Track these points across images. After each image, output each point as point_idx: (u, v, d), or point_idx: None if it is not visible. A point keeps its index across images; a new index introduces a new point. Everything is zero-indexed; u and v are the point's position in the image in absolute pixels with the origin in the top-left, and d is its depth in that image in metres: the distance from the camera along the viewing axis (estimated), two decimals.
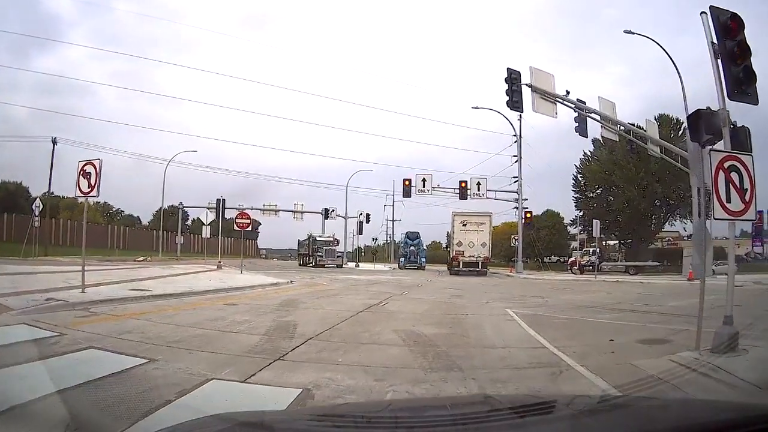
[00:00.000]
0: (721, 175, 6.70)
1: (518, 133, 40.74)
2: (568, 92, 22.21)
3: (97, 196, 12.99)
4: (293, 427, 2.16)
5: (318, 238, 45.04)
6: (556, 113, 22.20)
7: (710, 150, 6.85)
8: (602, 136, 26.75)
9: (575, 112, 22.65)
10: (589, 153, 51.25)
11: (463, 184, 39.99)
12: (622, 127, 24.83)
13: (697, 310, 12.22)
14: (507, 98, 22.16)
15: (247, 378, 5.25)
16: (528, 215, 40.88)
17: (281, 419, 2.47)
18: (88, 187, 12.52)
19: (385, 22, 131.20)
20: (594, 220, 29.16)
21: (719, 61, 7.53)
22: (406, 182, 40.60)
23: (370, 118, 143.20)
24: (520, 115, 41.33)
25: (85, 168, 12.68)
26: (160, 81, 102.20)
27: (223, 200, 34.57)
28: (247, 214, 26.26)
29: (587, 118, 22.79)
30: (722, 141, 7.22)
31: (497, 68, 71.25)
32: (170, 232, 57.13)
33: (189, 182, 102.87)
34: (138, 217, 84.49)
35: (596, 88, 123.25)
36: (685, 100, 23.18)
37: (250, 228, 26.98)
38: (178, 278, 19.47)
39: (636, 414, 2.29)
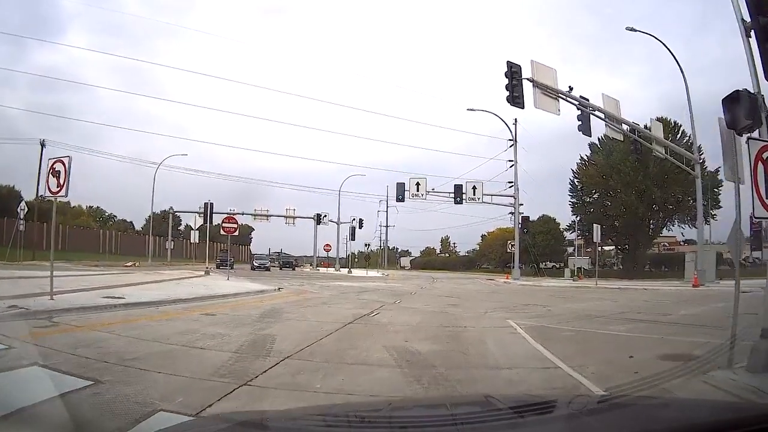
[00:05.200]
0: (760, 167, 5.80)
1: (514, 137, 40.23)
2: (571, 88, 21.18)
3: (66, 195, 12.37)
4: (292, 426, 2.16)
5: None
6: (559, 110, 21.20)
7: (748, 138, 5.96)
8: (606, 136, 25.94)
9: (578, 109, 21.59)
10: (586, 157, 50.60)
11: (459, 188, 39.12)
12: (626, 126, 23.85)
13: (714, 319, 11.39)
14: (507, 93, 20.84)
15: (201, 410, 4.32)
16: (525, 219, 40.08)
17: (280, 419, 2.45)
18: (57, 186, 11.84)
19: (379, 24, 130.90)
20: (594, 225, 28.24)
21: (750, 39, 6.68)
22: (400, 186, 39.71)
23: (363, 122, 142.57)
24: (516, 119, 41.01)
25: (54, 166, 12.33)
26: (152, 81, 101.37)
27: (211, 204, 33.44)
28: (234, 219, 25.25)
29: (590, 116, 21.75)
30: (759, 129, 6.33)
31: (495, 70, 70.59)
32: (161, 237, 56.36)
33: (183, 187, 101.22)
34: (131, 222, 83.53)
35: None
36: (688, 98, 22.47)
37: (236, 233, 25.95)
38: (160, 285, 18.52)
39: (636, 414, 2.27)
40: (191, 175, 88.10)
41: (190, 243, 50.63)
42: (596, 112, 22.52)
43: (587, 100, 22.58)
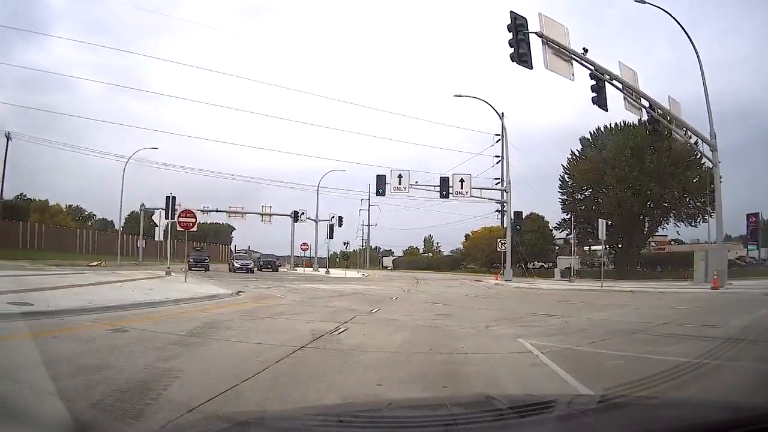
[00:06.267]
0: None
1: (502, 128, 38.19)
2: (585, 50, 18.29)
3: None
4: (291, 426, 2.13)
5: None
6: (573, 74, 18.26)
7: None
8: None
9: (592, 78, 18.56)
10: (577, 152, 48.27)
11: (445, 181, 36.32)
12: (646, 102, 20.88)
13: None
14: (512, 50, 17.45)
15: None
16: (518, 215, 37.49)
17: (279, 418, 2.43)
18: None
19: (368, 17, 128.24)
20: (600, 220, 25.64)
21: None
22: (381, 179, 36.70)
23: (346, 116, 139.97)
24: (502, 113, 38.68)
25: None
26: (137, 75, 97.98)
27: (173, 198, 30.05)
28: (192, 213, 22.23)
29: (606, 87, 18.76)
30: None
31: (489, 69, 68.52)
32: (135, 236, 54.31)
33: (170, 185, 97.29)
34: (111, 221, 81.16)
35: None
36: (703, 77, 20.09)
37: (195, 228, 22.96)
38: (98, 287, 15.83)
39: (636, 414, 2.23)
40: (172, 173, 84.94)
41: (168, 241, 47.64)
42: (614, 82, 19.45)
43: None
